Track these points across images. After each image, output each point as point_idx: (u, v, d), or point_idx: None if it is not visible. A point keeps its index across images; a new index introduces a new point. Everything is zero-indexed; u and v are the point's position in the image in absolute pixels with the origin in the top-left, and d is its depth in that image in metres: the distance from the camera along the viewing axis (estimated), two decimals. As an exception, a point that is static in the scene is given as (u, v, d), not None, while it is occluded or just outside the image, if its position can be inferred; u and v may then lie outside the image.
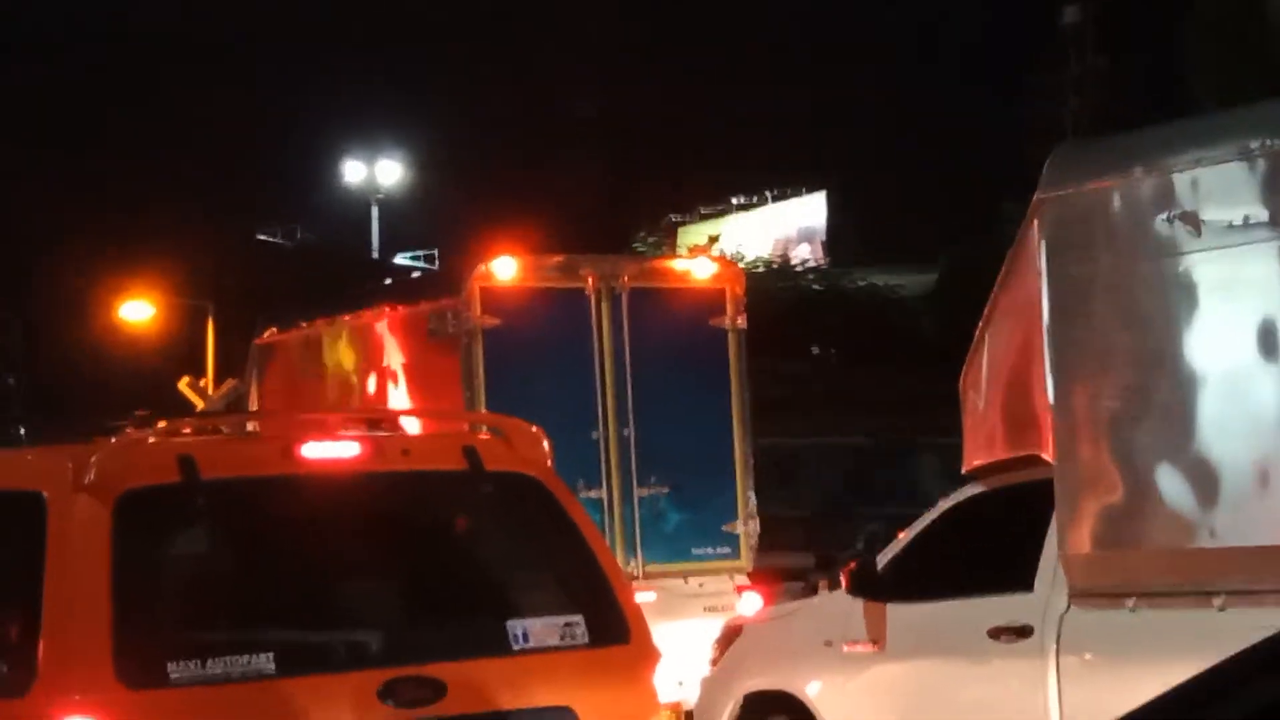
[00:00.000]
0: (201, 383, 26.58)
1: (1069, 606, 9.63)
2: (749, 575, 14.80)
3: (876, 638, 10.72)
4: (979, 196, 46.52)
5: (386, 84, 67.12)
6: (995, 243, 21.63)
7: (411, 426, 9.01)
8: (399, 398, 15.09)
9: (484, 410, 13.47)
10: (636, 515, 14.49)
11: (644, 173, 57.31)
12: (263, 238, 60.15)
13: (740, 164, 60.02)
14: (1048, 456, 9.66)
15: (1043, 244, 9.61)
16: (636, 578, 14.02)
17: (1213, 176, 8.90)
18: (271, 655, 6.93)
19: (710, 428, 14.77)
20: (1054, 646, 9.66)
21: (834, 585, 11.59)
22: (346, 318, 16.30)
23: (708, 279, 15.08)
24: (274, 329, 17.75)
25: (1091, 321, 9.41)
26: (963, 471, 10.76)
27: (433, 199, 64.47)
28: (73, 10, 60.30)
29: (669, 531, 14.61)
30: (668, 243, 55.36)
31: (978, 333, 10.61)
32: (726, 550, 14.76)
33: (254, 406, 17.58)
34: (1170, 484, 9.02)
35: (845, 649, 10.90)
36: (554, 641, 7.50)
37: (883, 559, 10.91)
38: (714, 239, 53.47)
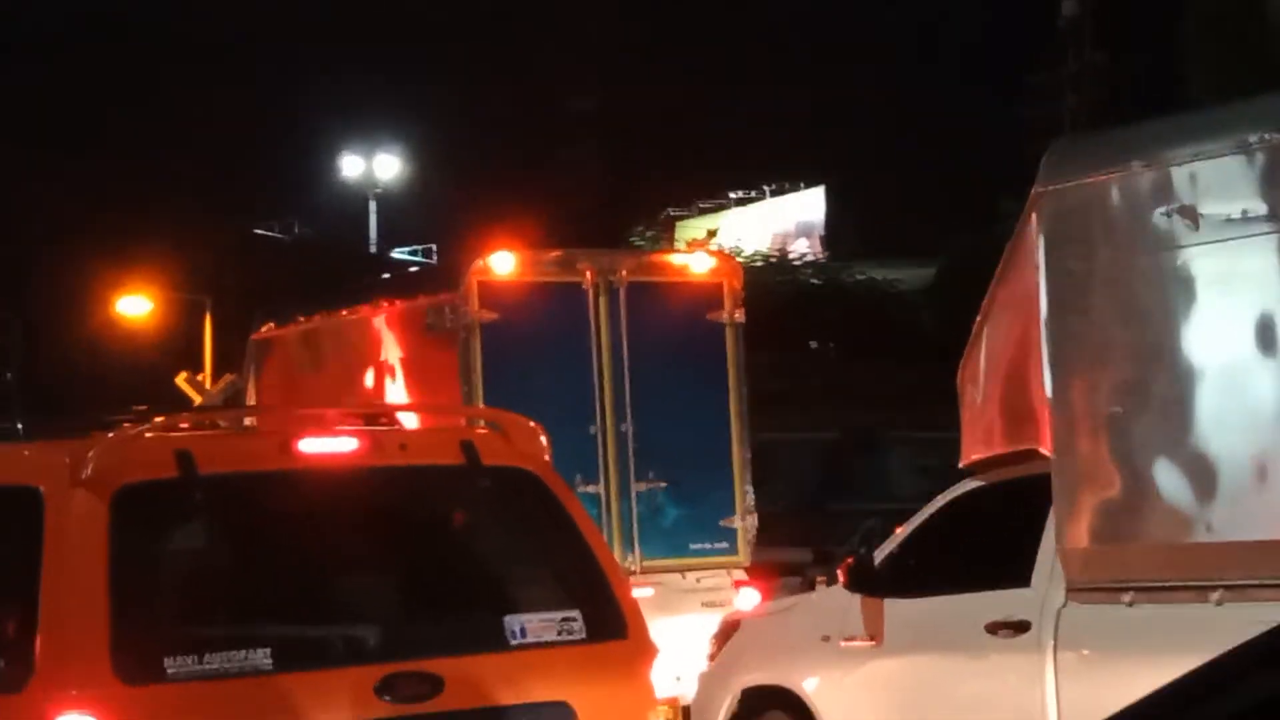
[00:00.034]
0: (199, 378, 26.61)
1: (1066, 601, 9.63)
2: (746, 570, 14.80)
3: (874, 633, 10.72)
4: (977, 193, 46.52)
5: (384, 78, 67.11)
6: (994, 237, 21.63)
7: (409, 421, 9.00)
8: (396, 392, 15.08)
9: (481, 405, 13.46)
10: (634, 510, 14.49)
11: (642, 168, 57.30)
12: (260, 233, 60.11)
13: (739, 160, 60.02)
14: (1045, 451, 9.66)
15: (1041, 238, 9.61)
16: (634, 573, 14.03)
17: (1211, 170, 8.90)
18: (269, 650, 6.93)
19: (708, 422, 14.77)
20: (1051, 641, 9.66)
21: (831, 580, 11.58)
22: (344, 313, 16.30)
23: (706, 273, 15.08)
24: (271, 324, 17.75)
25: (1089, 315, 9.41)
26: (960, 466, 10.77)
27: (431, 194, 64.46)
28: (73, 10, 60.30)
29: (666, 526, 14.62)
30: (666, 237, 55.32)
31: (976, 327, 10.62)
32: (724, 545, 14.76)
33: (251, 402, 17.57)
34: (1168, 478, 9.02)
35: (843, 644, 10.90)
36: (551, 637, 7.50)
37: (880, 554, 10.91)
38: (712, 233, 53.44)
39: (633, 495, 14.49)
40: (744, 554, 14.81)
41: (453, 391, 14.15)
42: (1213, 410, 8.87)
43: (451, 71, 64.36)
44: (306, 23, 65.67)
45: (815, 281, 49.62)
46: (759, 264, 48.24)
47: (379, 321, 15.55)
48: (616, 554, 13.62)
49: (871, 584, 10.75)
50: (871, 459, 28.00)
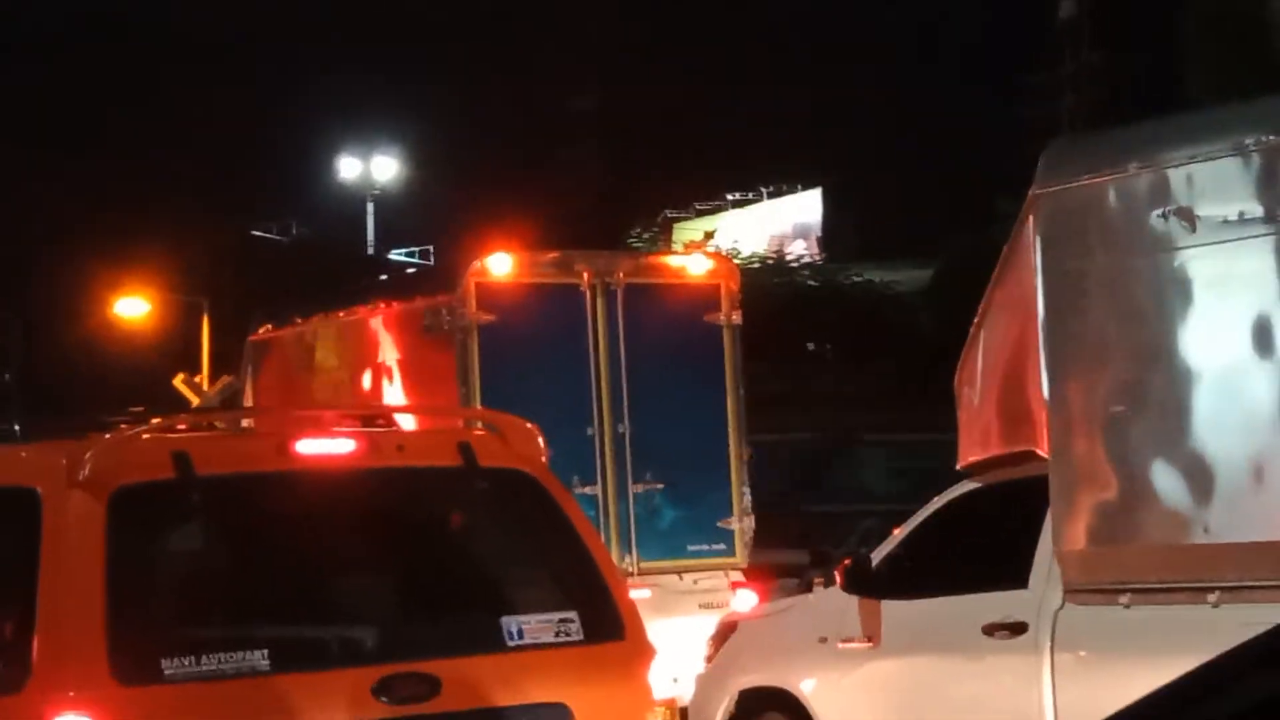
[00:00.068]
0: (197, 379, 26.63)
1: (1063, 603, 9.63)
2: (744, 572, 14.80)
3: (871, 634, 10.72)
4: (975, 194, 46.50)
5: (383, 79, 67.10)
6: (991, 238, 21.63)
7: (406, 423, 9.00)
8: (394, 394, 15.08)
9: (479, 406, 13.47)
10: (631, 512, 14.49)
11: (640, 169, 57.29)
12: (258, 234, 60.11)
13: (737, 161, 60.04)
14: (1042, 452, 9.66)
15: (1038, 239, 9.60)
16: (631, 574, 14.03)
17: (1208, 171, 8.90)
18: (266, 652, 6.93)
19: (705, 424, 14.77)
20: (1048, 643, 9.66)
21: (829, 582, 11.58)
22: (342, 314, 16.30)
23: (703, 275, 15.08)
24: (269, 325, 17.75)
25: (1086, 317, 9.41)
26: (958, 467, 10.77)
27: (428, 195, 64.46)
28: (73, 10, 60.31)
29: (664, 528, 14.62)
30: (663, 238, 55.35)
31: (973, 328, 10.62)
32: (721, 546, 14.76)
33: (249, 403, 17.57)
34: (1165, 480, 9.02)
35: (840, 645, 10.90)
36: (549, 638, 7.50)
37: (877, 556, 10.91)
38: (709, 235, 53.54)
39: (630, 497, 14.49)
40: (741, 555, 14.81)
41: (450, 393, 14.14)
42: (1210, 412, 8.88)
43: (450, 72, 64.39)
44: (306, 23, 65.70)
45: (812, 283, 49.62)
46: (756, 266, 48.25)
47: (376, 323, 15.55)
48: (614, 555, 13.61)
49: (869, 585, 10.75)
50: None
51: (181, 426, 7.74)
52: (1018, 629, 9.84)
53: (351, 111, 65.52)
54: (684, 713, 12.03)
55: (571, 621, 7.57)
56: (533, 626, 7.49)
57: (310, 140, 65.67)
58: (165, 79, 57.40)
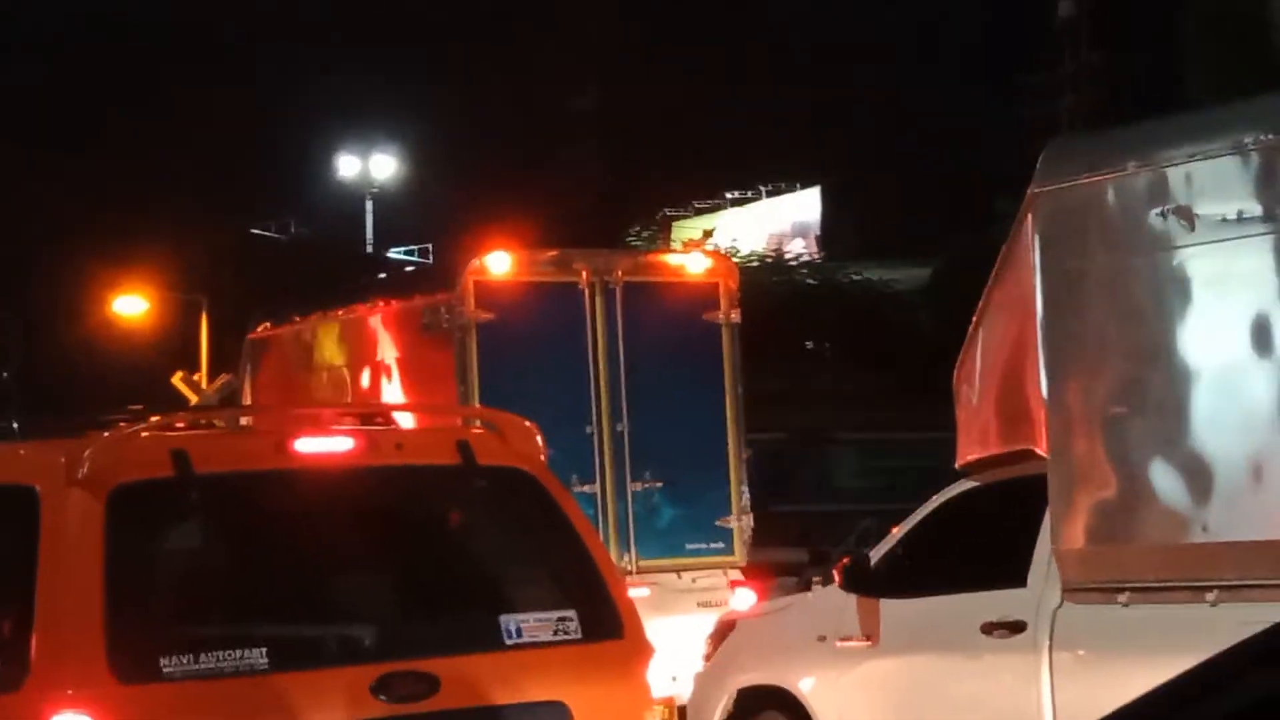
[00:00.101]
0: (195, 377, 26.61)
1: (1062, 602, 9.63)
2: (742, 570, 14.80)
3: (870, 633, 10.72)
4: (974, 194, 46.49)
5: (381, 78, 67.06)
6: (990, 238, 21.63)
7: (405, 421, 9.00)
8: (393, 392, 15.09)
9: (478, 405, 13.47)
10: (630, 510, 14.49)
11: (639, 168, 57.28)
12: (257, 233, 60.09)
13: (736, 160, 60.01)
14: (1041, 451, 9.66)
15: (1036, 238, 9.61)
16: (630, 573, 14.03)
17: (1207, 171, 8.91)
18: (265, 650, 6.93)
19: (704, 422, 14.78)
20: (1047, 642, 9.66)
21: (827, 580, 11.58)
22: (340, 312, 16.30)
23: (702, 273, 15.09)
24: (268, 324, 17.75)
25: (1085, 316, 9.41)
26: (956, 466, 10.77)
27: (427, 193, 64.43)
28: (73, 10, 60.28)
29: (662, 527, 14.62)
30: (662, 237, 55.30)
31: (972, 327, 10.61)
32: (720, 545, 14.77)
33: (248, 401, 17.57)
34: (1164, 479, 9.02)
35: (838, 644, 10.90)
36: (547, 637, 7.50)
37: (876, 554, 10.91)
38: (708, 233, 53.40)
39: (629, 495, 14.50)
40: (740, 554, 14.82)
41: (449, 391, 14.15)
42: (1208, 411, 8.88)
43: (450, 71, 64.35)
44: (306, 23, 65.67)
45: (811, 282, 49.59)
46: (755, 264, 48.23)
47: (375, 321, 15.55)
48: (612, 554, 13.61)
49: (867, 584, 10.75)
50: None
51: (180, 425, 7.73)
52: (1016, 628, 9.84)
53: (350, 110, 65.52)
54: (682, 711, 12.03)
55: (570, 620, 7.57)
56: (531, 625, 7.49)
57: (309, 139, 65.68)
58: (165, 79, 57.37)
